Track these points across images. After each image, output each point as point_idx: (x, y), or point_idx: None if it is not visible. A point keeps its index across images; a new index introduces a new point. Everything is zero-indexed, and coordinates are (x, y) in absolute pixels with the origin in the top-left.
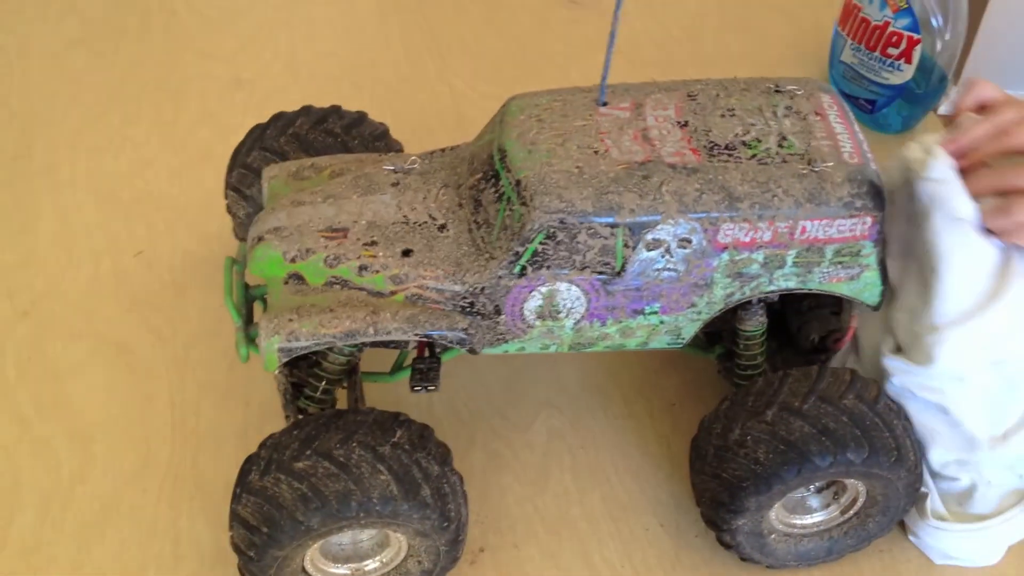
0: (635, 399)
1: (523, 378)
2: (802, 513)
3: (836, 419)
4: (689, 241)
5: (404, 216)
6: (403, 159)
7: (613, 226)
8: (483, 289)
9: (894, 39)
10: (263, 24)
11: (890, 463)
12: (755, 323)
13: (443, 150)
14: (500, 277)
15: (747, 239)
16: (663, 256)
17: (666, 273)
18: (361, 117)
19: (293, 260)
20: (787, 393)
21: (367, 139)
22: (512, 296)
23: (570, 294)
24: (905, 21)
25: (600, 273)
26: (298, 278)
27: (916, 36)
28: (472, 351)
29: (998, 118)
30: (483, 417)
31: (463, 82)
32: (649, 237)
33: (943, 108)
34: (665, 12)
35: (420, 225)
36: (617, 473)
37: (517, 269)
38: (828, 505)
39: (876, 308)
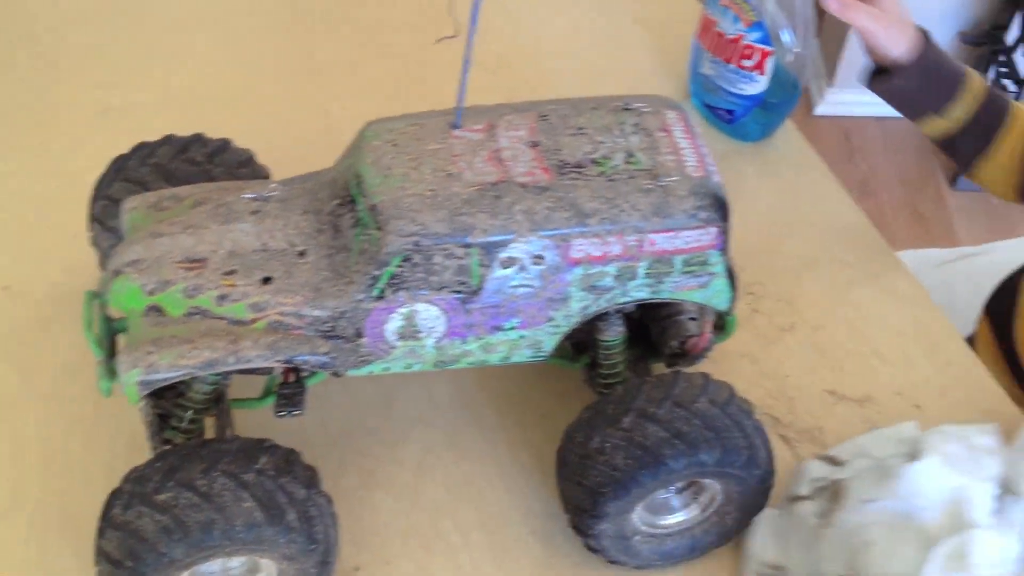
0: (507, 411)
1: (395, 395)
2: (664, 514)
3: (689, 422)
4: (542, 258)
5: (264, 244)
6: (263, 186)
7: (467, 246)
8: (343, 313)
9: (747, 51)
10: (134, 51)
11: (742, 462)
12: (613, 333)
13: (304, 176)
14: (360, 301)
15: (599, 253)
16: (518, 273)
17: (522, 289)
18: (224, 144)
19: (152, 292)
20: (643, 400)
21: (231, 166)
22: (372, 319)
23: (429, 314)
24: (757, 34)
25: (458, 292)
26: (158, 310)
27: (768, 48)
28: (336, 374)
29: None
30: (356, 436)
31: (339, 105)
32: (503, 255)
33: (819, 109)
34: (536, 29)
35: (280, 252)
36: (490, 485)
37: (376, 292)
38: (688, 505)
39: (727, 313)
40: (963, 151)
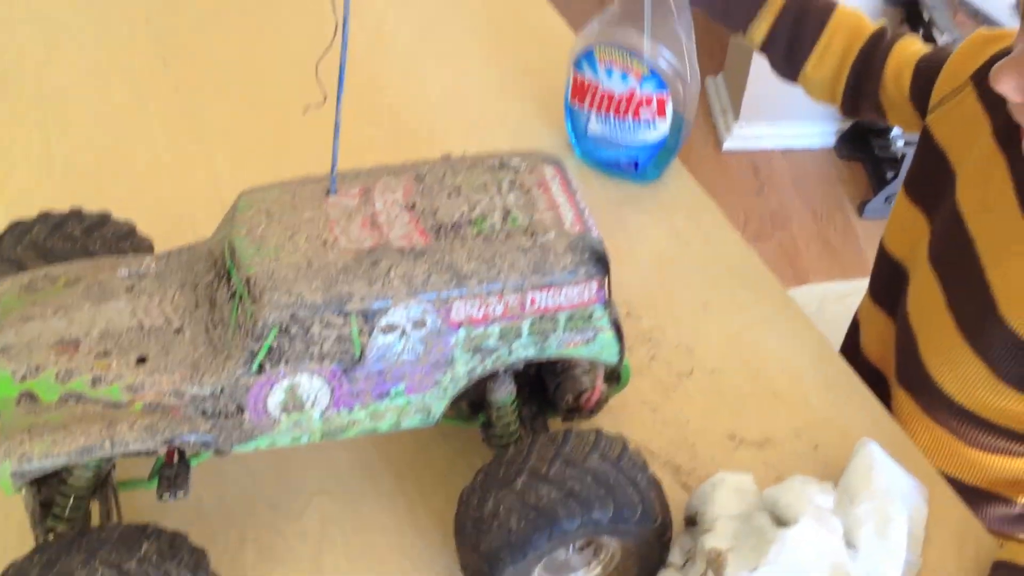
0: (406, 475)
1: (293, 465)
2: (566, 573)
3: (581, 480)
4: (424, 322)
5: (139, 322)
6: (139, 262)
7: (345, 315)
8: (223, 389)
9: (645, 101)
10: (13, 120)
11: (636, 518)
12: (503, 393)
13: (181, 249)
14: (239, 376)
15: (480, 315)
16: (400, 339)
17: (406, 355)
18: (104, 218)
19: (23, 379)
20: (535, 459)
21: (110, 240)
22: (253, 393)
23: (312, 385)
24: (651, 84)
25: (340, 361)
26: (31, 396)
27: (664, 93)
28: (219, 452)
29: None
30: (254, 511)
31: (227, 170)
32: (383, 322)
33: (727, 144)
34: (426, 81)
35: (156, 330)
36: (391, 553)
37: (255, 366)
38: (589, 563)
39: (617, 367)
40: (777, 59)
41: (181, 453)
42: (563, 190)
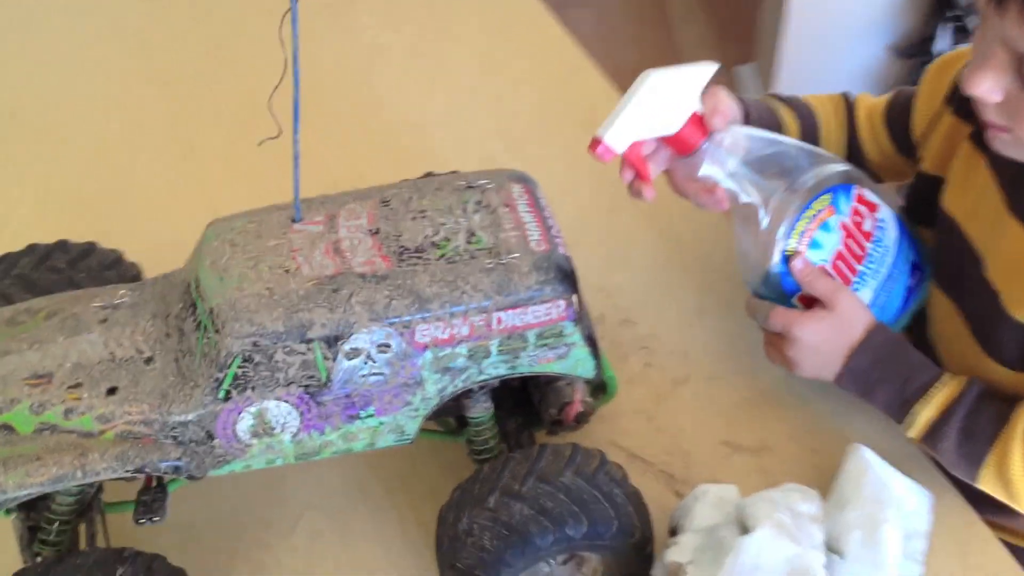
0: (396, 489)
1: (284, 482)
2: None
3: (554, 497)
4: (388, 346)
5: (111, 353)
6: (113, 293)
7: (308, 342)
8: (191, 418)
9: (864, 235)
10: (7, 158)
11: (611, 533)
12: (480, 410)
13: (155, 279)
14: (207, 404)
15: (445, 336)
16: (366, 363)
17: (373, 378)
18: (89, 248)
19: (0, 411)
20: (508, 477)
21: (96, 270)
22: (222, 420)
23: (280, 410)
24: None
25: (307, 387)
26: (8, 429)
27: (874, 201)
28: (192, 477)
29: None
30: (245, 527)
31: (217, 196)
32: (347, 347)
33: None
34: (423, 96)
35: (126, 361)
36: (380, 567)
37: (222, 394)
38: (573, 575)
39: (597, 380)
40: None
41: (159, 479)
42: (530, 208)
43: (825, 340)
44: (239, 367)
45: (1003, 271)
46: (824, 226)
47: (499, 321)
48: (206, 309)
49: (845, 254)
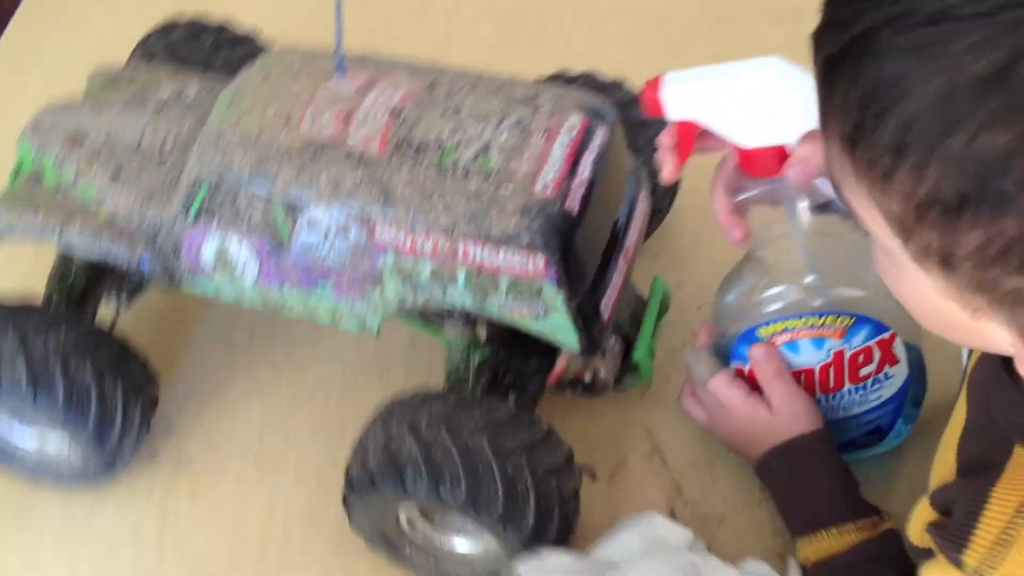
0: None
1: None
2: (450, 534)
3: (447, 454)
4: (348, 232)
5: (140, 140)
6: (188, 84)
7: (268, 195)
8: (162, 226)
9: (863, 357)
10: None
11: (492, 518)
12: (452, 333)
13: (225, 78)
14: (176, 219)
15: (407, 245)
16: (325, 240)
17: (332, 258)
18: (247, 38)
19: (34, 159)
20: (426, 412)
21: (234, 61)
22: (188, 240)
23: (241, 251)
24: (864, 330)
25: (267, 240)
26: (38, 178)
27: (886, 334)
28: (169, 284)
29: None
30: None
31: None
32: (307, 217)
33: None
34: None
35: (147, 152)
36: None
37: (192, 215)
38: (473, 540)
39: (581, 353)
40: None
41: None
42: (571, 148)
43: (753, 427)
44: (206, 194)
45: None
46: (817, 342)
47: (465, 252)
48: (205, 130)
49: (815, 379)
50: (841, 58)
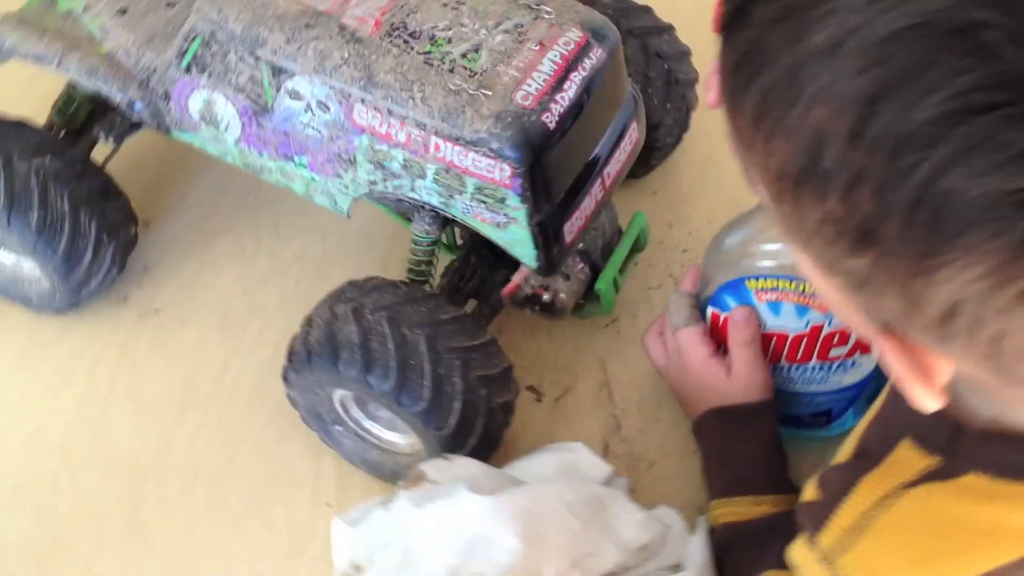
0: None
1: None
2: (379, 422)
3: (383, 342)
4: (328, 108)
5: None
6: None
7: (256, 58)
8: (156, 70)
9: (838, 338)
10: None
11: (417, 411)
12: (420, 229)
13: None
14: (171, 64)
15: (383, 131)
16: (306, 111)
17: (310, 130)
18: None
19: None
20: (373, 300)
21: None
22: (178, 88)
23: (227, 110)
24: None
25: (252, 102)
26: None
27: None
28: (157, 130)
29: None
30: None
31: None
32: (290, 85)
33: None
34: None
35: None
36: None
37: (184, 64)
38: (402, 431)
39: (537, 270)
40: None
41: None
42: (561, 61)
43: (705, 385)
44: (199, 47)
45: None
46: (800, 309)
47: (437, 147)
48: None
49: (785, 345)
50: (727, 27)
